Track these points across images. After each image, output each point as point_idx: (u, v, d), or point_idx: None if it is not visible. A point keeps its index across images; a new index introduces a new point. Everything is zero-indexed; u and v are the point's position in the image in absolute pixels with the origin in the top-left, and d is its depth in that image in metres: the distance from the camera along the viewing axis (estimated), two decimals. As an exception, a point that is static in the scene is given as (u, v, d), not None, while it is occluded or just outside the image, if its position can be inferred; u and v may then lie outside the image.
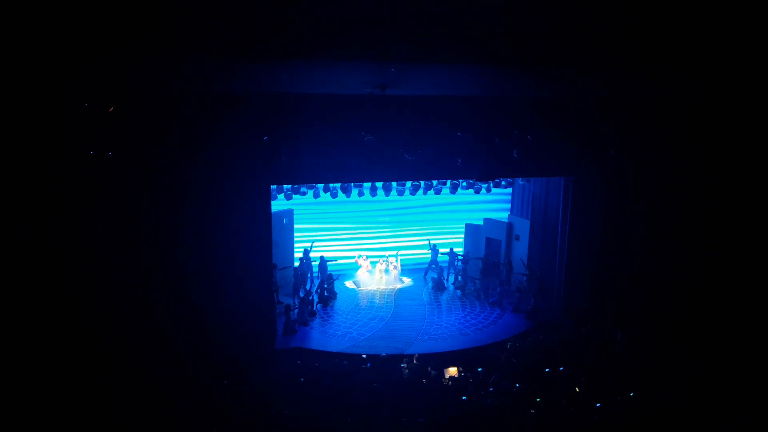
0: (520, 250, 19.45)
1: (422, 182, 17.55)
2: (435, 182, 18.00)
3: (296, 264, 19.18)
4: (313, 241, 19.99)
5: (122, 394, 11.03)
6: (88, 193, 12.94)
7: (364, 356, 14.45)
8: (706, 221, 17.15)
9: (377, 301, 18.93)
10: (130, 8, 7.52)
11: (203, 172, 13.77)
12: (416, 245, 22.35)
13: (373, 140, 14.21)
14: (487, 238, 20.83)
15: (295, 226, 20.06)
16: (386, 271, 20.32)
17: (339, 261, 20.45)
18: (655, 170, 16.79)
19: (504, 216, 20.83)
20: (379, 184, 17.22)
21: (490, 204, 21.53)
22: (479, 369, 13.60)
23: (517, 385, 12.34)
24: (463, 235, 21.76)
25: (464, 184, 18.16)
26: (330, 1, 7.82)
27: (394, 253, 21.21)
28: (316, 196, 17.38)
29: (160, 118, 13.10)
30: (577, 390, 12.16)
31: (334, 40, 8.66)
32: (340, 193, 17.02)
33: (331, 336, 16.14)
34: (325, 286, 18.62)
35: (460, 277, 20.05)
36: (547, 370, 13.25)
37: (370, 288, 20.00)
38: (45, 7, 7.22)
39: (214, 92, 13.40)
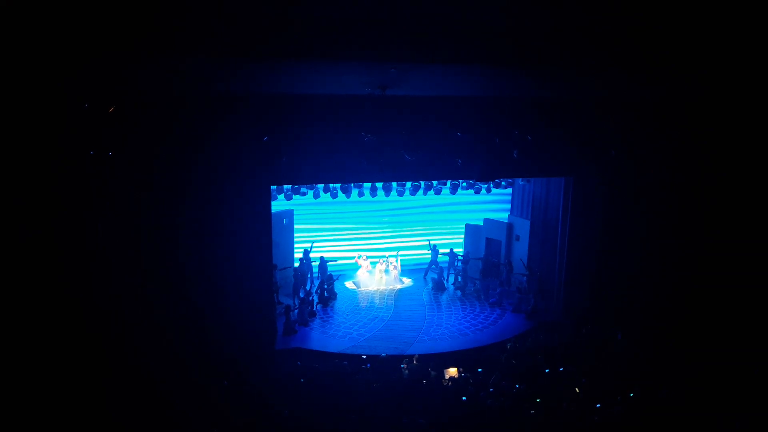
0: (520, 250, 19.44)
1: (422, 182, 17.56)
2: (435, 182, 18.01)
3: (296, 264, 19.17)
4: (313, 242, 19.99)
5: (122, 394, 11.02)
6: (88, 193, 12.95)
7: (364, 357, 14.45)
8: (706, 221, 17.15)
9: (377, 301, 18.93)
10: (130, 8, 7.52)
11: (203, 172, 13.78)
12: (416, 246, 22.35)
13: (374, 140, 14.21)
14: (487, 239, 20.82)
15: (295, 226, 20.06)
16: (386, 271, 20.32)
17: (339, 261, 20.45)
18: (655, 170, 16.79)
19: (504, 216, 20.83)
20: (379, 185, 17.22)
21: (490, 204, 21.54)
22: (479, 369, 13.59)
23: (517, 385, 12.33)
24: (463, 236, 21.75)
25: (464, 184, 18.18)
26: (330, 1, 7.82)
27: (394, 253, 21.21)
28: (316, 196, 17.40)
29: (160, 118, 13.11)
30: (577, 390, 12.15)
31: (334, 40, 8.66)
32: (340, 193, 17.03)
33: (331, 336, 16.14)
34: (325, 286, 18.62)
35: (460, 278, 20.05)
36: (547, 370, 13.24)
37: (370, 288, 20.00)
38: (45, 7, 7.23)
39: (214, 92, 13.41)
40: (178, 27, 8.14)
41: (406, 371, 13.56)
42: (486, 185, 18.60)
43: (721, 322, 14.93)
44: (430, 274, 20.81)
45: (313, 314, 17.33)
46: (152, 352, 13.03)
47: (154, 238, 13.67)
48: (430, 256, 20.99)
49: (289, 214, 19.51)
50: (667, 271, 17.32)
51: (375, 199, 18.27)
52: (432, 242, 21.12)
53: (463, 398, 11.93)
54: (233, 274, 14.46)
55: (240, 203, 14.19)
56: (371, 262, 20.55)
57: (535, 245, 18.85)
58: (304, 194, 17.13)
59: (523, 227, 19.43)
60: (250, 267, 14.63)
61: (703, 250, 17.00)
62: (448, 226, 22.50)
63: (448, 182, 17.96)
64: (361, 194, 17.46)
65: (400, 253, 21.48)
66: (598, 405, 11.37)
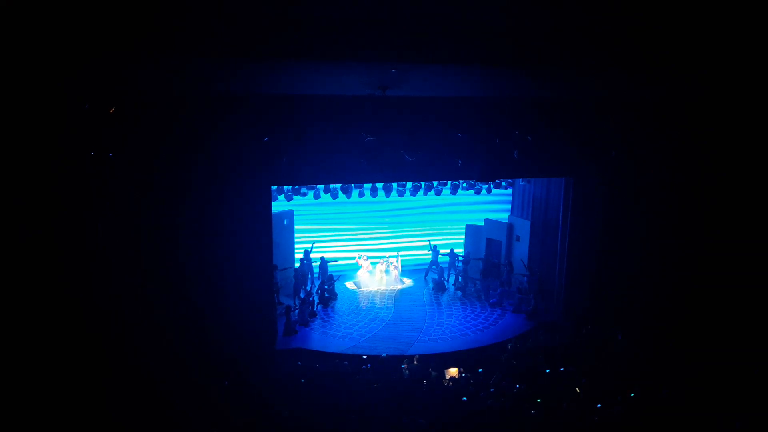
0: (521, 250, 19.44)
1: (422, 183, 17.57)
2: (435, 183, 18.02)
3: (297, 265, 19.18)
4: (314, 242, 19.99)
5: (122, 394, 11.03)
6: (88, 193, 12.96)
7: (365, 357, 14.44)
8: (706, 221, 17.16)
9: (378, 302, 18.93)
10: (130, 8, 7.52)
11: (203, 172, 13.78)
12: (417, 246, 22.35)
13: (374, 141, 14.20)
14: (488, 239, 20.82)
15: (296, 226, 20.06)
16: (387, 271, 20.33)
17: (339, 262, 20.45)
18: (655, 170, 16.80)
19: (504, 217, 20.83)
20: (379, 185, 17.21)
21: (491, 205, 21.53)
22: (480, 370, 13.60)
23: (518, 385, 12.33)
24: (463, 236, 21.75)
25: (465, 184, 18.21)
26: (330, 1, 7.81)
27: (394, 254, 21.21)
28: (316, 196, 17.41)
29: (160, 118, 13.12)
30: (578, 390, 12.15)
31: (334, 40, 8.65)
32: (340, 193, 17.05)
33: (331, 337, 16.14)
34: (326, 286, 18.62)
35: (460, 278, 20.04)
36: (547, 370, 13.24)
37: (370, 289, 20.01)
38: (45, 7, 7.23)
39: (214, 92, 13.41)
40: (178, 27, 8.14)
41: (407, 371, 13.56)
42: (486, 186, 18.62)
43: (721, 322, 14.93)
44: (431, 274, 20.81)
45: (313, 314, 17.33)
46: (152, 352, 13.03)
47: (154, 238, 13.67)
48: (430, 256, 20.98)
49: (289, 215, 19.51)
50: (667, 271, 17.32)
51: (375, 199, 18.25)
52: (432, 243, 21.11)
53: (464, 398, 11.94)
54: (233, 275, 14.46)
55: (240, 203, 14.19)
56: (372, 263, 20.55)
57: (536, 245, 18.86)
58: (305, 195, 17.14)
59: (523, 228, 19.43)
60: (250, 267, 14.63)
61: (703, 250, 17.00)
62: (449, 227, 22.49)
63: (449, 183, 17.97)
64: (361, 195, 17.46)
65: (401, 253, 21.47)
66: (598, 405, 11.37)
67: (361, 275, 20.43)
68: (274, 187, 15.59)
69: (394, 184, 17.40)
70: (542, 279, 18.21)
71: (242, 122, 13.69)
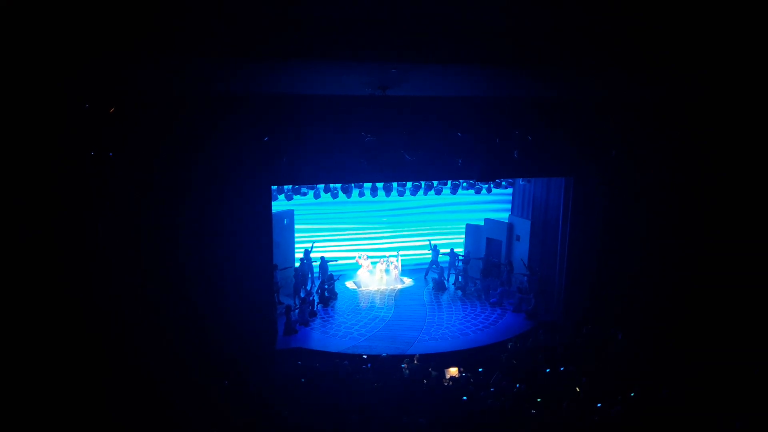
0: (521, 250, 19.45)
1: (423, 182, 17.58)
2: (435, 182, 18.03)
3: (297, 264, 19.19)
4: (314, 242, 19.99)
5: (122, 394, 11.02)
6: (88, 193, 12.96)
7: (365, 357, 14.45)
8: (706, 221, 17.16)
9: (378, 301, 18.93)
10: (130, 8, 7.52)
11: (203, 172, 13.78)
12: (417, 246, 22.35)
13: (374, 141, 14.21)
14: (488, 239, 20.83)
15: (296, 226, 20.06)
16: (387, 271, 20.33)
17: (340, 261, 20.45)
18: (655, 170, 16.80)
19: (504, 216, 20.83)
20: (379, 185, 17.22)
21: (491, 204, 21.54)
22: (480, 369, 13.59)
23: (518, 385, 12.33)
24: (463, 236, 21.76)
25: (465, 184, 18.22)
26: (330, 1, 7.81)
27: (395, 253, 21.21)
28: (316, 196, 17.41)
29: (160, 118, 13.12)
30: (578, 390, 12.15)
31: (334, 40, 8.64)
32: (340, 193, 17.05)
33: (331, 336, 16.14)
34: (326, 286, 18.62)
35: (460, 278, 20.06)
36: (547, 370, 13.24)
37: (370, 288, 20.01)
38: (45, 7, 7.22)
39: (214, 92, 13.41)
40: (178, 27, 8.14)
41: (407, 371, 13.55)
42: (486, 185, 18.63)
43: (721, 322, 14.93)
44: (431, 274, 20.82)
45: (313, 314, 17.34)
46: (152, 352, 13.03)
47: (154, 238, 13.68)
48: (430, 256, 20.98)
49: (289, 214, 19.52)
50: (667, 271, 17.32)
51: (375, 199, 18.24)
52: (432, 242, 21.11)
53: (464, 398, 11.93)
54: (233, 274, 14.46)
55: (240, 203, 14.19)
56: (372, 262, 20.55)
57: (536, 245, 18.86)
58: (305, 194, 17.15)
59: (523, 227, 19.44)
60: (250, 267, 14.63)
61: (703, 250, 17.01)
62: (449, 226, 22.50)
63: (449, 182, 17.99)
64: (361, 194, 17.47)
65: (401, 253, 21.46)
66: (598, 405, 11.37)
67: (361, 275, 20.43)
68: (274, 187, 15.59)
69: (395, 184, 17.41)
70: (542, 278, 18.21)
71: (242, 122, 13.69)
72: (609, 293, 17.07)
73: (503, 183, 19.49)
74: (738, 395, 11.30)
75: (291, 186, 16.60)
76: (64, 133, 12.34)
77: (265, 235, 14.75)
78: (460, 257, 20.43)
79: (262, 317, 15.13)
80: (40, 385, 11.27)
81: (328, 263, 19.53)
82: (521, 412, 11.34)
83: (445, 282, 20.30)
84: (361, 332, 16.37)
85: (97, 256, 13.18)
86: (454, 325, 17.00)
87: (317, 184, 16.61)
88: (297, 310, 16.71)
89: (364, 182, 16.87)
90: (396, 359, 14.17)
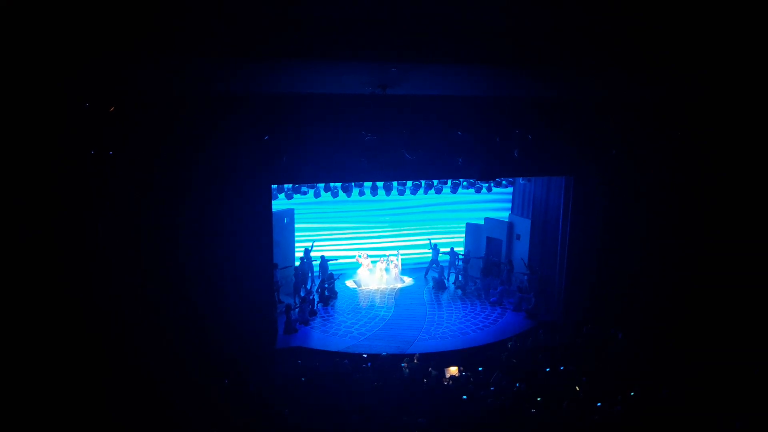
0: (521, 249, 19.45)
1: (423, 182, 17.58)
2: (436, 182, 18.03)
3: (297, 263, 19.19)
4: (314, 241, 19.99)
5: (122, 394, 11.03)
6: (88, 193, 12.95)
7: (365, 356, 14.46)
8: (706, 221, 17.17)
9: (378, 300, 18.94)
10: (131, 8, 7.52)
11: (203, 172, 13.77)
12: (417, 245, 22.35)
13: (374, 140, 14.19)
14: (488, 238, 20.83)
15: (296, 225, 20.06)
16: (387, 270, 20.34)
17: (340, 260, 20.44)
18: (655, 170, 16.81)
19: (505, 215, 20.83)
20: (379, 184, 17.20)
21: (491, 203, 21.53)
22: (480, 368, 13.59)
23: (518, 384, 12.34)
24: (463, 235, 21.76)
25: (465, 183, 18.21)
26: (330, 1, 7.81)
27: (395, 252, 21.21)
28: (316, 195, 17.40)
29: (160, 117, 13.11)
30: (578, 389, 12.16)
31: (334, 40, 8.65)
32: (340, 192, 17.03)
33: (332, 335, 16.15)
34: (326, 285, 18.63)
35: (461, 277, 20.06)
36: (547, 369, 13.24)
37: (370, 287, 20.01)
38: (45, 7, 7.23)
39: (214, 92, 13.41)
40: (178, 27, 8.15)
41: (407, 370, 13.56)
42: (487, 184, 18.63)
43: (721, 322, 14.93)
44: (431, 273, 20.81)
45: (313, 313, 17.34)
46: (152, 352, 13.04)
47: (154, 238, 13.67)
48: (430, 255, 20.98)
49: (289, 213, 19.51)
50: (667, 271, 17.33)
51: (376, 198, 18.22)
52: (433, 241, 21.11)
53: (464, 397, 11.94)
54: (233, 274, 14.46)
55: (240, 203, 14.19)
56: (372, 261, 20.56)
57: (536, 244, 18.86)
58: (305, 193, 17.14)
59: (523, 226, 19.43)
60: (250, 267, 14.63)
61: (703, 250, 17.02)
62: (449, 225, 22.50)
63: (449, 181, 17.98)
64: (361, 193, 17.45)
65: (401, 252, 21.46)
66: (598, 404, 11.38)
67: (362, 274, 20.44)
68: (274, 186, 15.57)
69: (395, 183, 17.40)
70: (542, 278, 18.21)
71: (242, 122, 13.67)
72: (609, 293, 17.07)
73: (503, 182, 19.50)
74: (738, 395, 11.31)
75: (291, 185, 16.59)
76: (64, 133, 12.34)
77: (265, 235, 14.74)
78: (461, 256, 20.42)
79: (262, 317, 15.13)
80: (40, 385, 11.28)
81: (328, 262, 19.52)
82: (521, 411, 11.35)
83: (445, 281, 20.31)
84: (361, 331, 16.37)
85: (97, 256, 13.18)
86: (454, 324, 17.00)
87: (317, 183, 16.59)
88: (297, 309, 16.72)
89: (364, 181, 16.85)
90: (396, 358, 14.17)
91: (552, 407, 11.43)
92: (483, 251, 20.79)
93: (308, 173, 14.94)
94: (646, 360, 13.44)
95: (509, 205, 20.87)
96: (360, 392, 12.17)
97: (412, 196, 18.49)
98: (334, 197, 17.33)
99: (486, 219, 21.02)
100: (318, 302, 18.10)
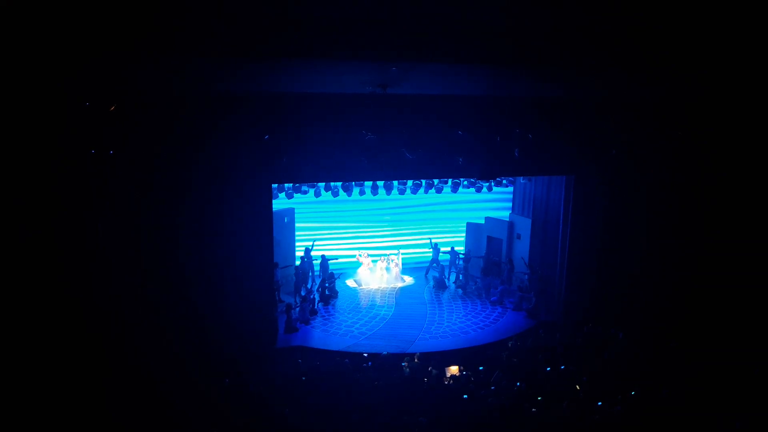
0: (522, 248, 19.45)
1: (423, 181, 17.59)
2: (436, 181, 18.04)
3: (297, 263, 19.20)
4: (315, 240, 19.99)
5: (122, 394, 11.03)
6: (88, 193, 12.95)
7: (366, 355, 14.46)
8: (706, 221, 17.16)
9: (378, 299, 18.94)
10: (131, 8, 7.52)
11: (203, 172, 13.77)
12: (417, 244, 22.35)
13: (374, 139, 14.20)
14: (489, 237, 20.84)
15: (297, 224, 20.07)
16: (387, 269, 20.35)
17: (340, 260, 20.45)
18: (655, 170, 16.80)
19: (505, 215, 20.83)
20: (380, 183, 17.22)
21: (492, 203, 21.55)
22: (480, 368, 13.59)
23: (518, 384, 12.34)
24: (464, 234, 21.77)
25: (465, 182, 18.22)
26: (330, 1, 7.81)
27: (395, 251, 21.22)
28: (317, 194, 17.41)
29: (160, 117, 13.11)
30: (578, 389, 12.16)
31: (334, 40, 8.65)
32: (341, 191, 17.04)
33: (332, 335, 16.16)
34: (327, 284, 18.64)
35: (461, 276, 20.07)
36: (548, 369, 13.24)
37: (371, 287, 20.03)
38: (45, 7, 7.22)
39: (214, 92, 13.40)
40: (178, 27, 8.14)
41: (408, 369, 13.55)
42: (487, 184, 18.62)
43: (721, 322, 14.92)
44: (432, 272, 20.82)
45: (314, 312, 17.35)
46: (152, 352, 13.04)
47: (154, 238, 13.67)
48: (431, 254, 20.99)
49: (290, 213, 19.52)
50: (667, 271, 17.32)
51: (376, 197, 18.24)
52: (433, 240, 21.12)
53: (464, 396, 11.94)
54: (233, 274, 14.46)
55: (240, 203, 14.19)
56: (372, 261, 20.58)
57: (536, 244, 18.85)
58: (305, 193, 17.16)
59: (524, 226, 19.43)
60: (250, 266, 14.63)
61: (703, 250, 17.01)
62: (450, 225, 22.51)
63: (449, 181, 18.00)
64: (362, 193, 17.46)
65: (402, 251, 21.47)
66: (599, 404, 11.38)
67: (362, 273, 20.45)
68: (274, 186, 15.58)
69: (395, 182, 17.40)
70: (543, 277, 18.21)
71: (242, 121, 13.67)
72: (609, 293, 17.07)
73: (504, 181, 19.51)
74: (738, 395, 11.30)
75: (291, 184, 16.59)
76: (65, 132, 12.34)
77: (265, 235, 14.74)
78: (461, 255, 20.43)
79: (262, 317, 15.14)
80: (40, 384, 11.27)
81: (329, 261, 19.53)
82: (522, 410, 11.34)
83: (446, 280, 20.32)
84: (361, 330, 16.38)
85: (97, 256, 13.18)
86: (454, 324, 17.01)
87: (318, 182, 16.61)
88: (298, 309, 16.73)
89: (364, 181, 16.86)
90: (396, 357, 14.17)
91: (552, 407, 11.43)
92: (483, 250, 20.80)
93: (308, 173, 14.95)
94: (646, 360, 13.42)
95: (510, 204, 20.87)
96: (360, 391, 12.16)
97: (413, 195, 18.51)
98: (335, 196, 17.35)
99: (486, 218, 21.03)
100: (318, 301, 18.11)
